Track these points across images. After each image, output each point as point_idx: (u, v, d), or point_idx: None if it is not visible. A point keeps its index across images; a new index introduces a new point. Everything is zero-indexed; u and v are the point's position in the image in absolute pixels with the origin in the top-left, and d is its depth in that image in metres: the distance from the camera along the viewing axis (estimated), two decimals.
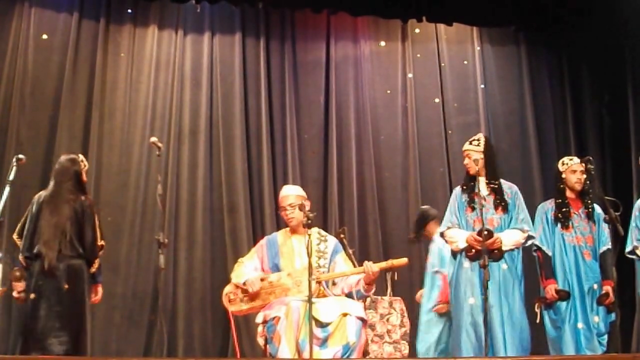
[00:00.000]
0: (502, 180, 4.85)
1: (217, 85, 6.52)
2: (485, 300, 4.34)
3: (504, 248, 4.59)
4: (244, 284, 4.37)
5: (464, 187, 4.82)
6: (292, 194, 4.55)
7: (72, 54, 6.21)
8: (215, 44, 6.60)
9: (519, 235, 4.68)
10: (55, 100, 6.15)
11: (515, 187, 4.89)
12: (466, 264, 4.66)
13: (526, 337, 4.62)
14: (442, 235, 4.82)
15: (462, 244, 4.66)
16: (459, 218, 4.77)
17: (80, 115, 6.21)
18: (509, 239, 4.63)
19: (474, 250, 4.60)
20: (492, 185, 4.73)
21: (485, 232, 4.52)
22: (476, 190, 4.72)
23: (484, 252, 4.47)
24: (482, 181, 4.77)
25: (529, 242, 4.77)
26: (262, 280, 4.38)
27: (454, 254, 4.75)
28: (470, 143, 4.83)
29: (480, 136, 4.89)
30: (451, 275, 4.75)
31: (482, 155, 4.74)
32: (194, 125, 6.41)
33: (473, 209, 4.74)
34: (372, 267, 4.25)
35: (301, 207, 4.37)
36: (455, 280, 4.70)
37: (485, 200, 4.68)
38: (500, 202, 4.70)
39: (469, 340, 4.55)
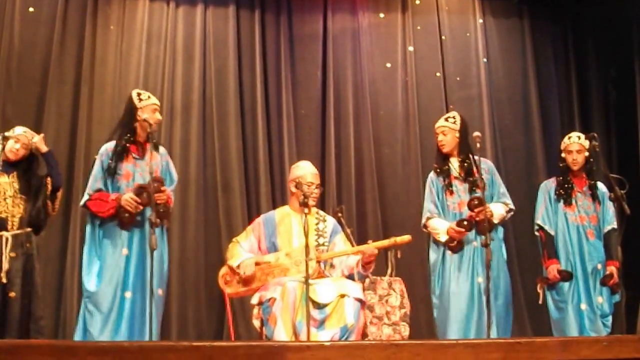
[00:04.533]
0: (476, 157, 4.76)
1: (210, 59, 6.34)
2: (488, 280, 4.26)
3: (495, 221, 4.53)
4: (238, 267, 4.29)
5: (438, 171, 4.73)
6: (315, 172, 4.48)
7: (59, 27, 6.02)
8: (209, 16, 6.41)
9: (503, 208, 4.67)
10: (42, 76, 5.97)
11: (489, 162, 4.88)
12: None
13: (510, 316, 4.63)
14: (424, 226, 4.74)
15: (444, 237, 4.60)
16: (437, 205, 4.69)
17: (68, 91, 6.04)
18: (496, 212, 4.59)
19: (455, 242, 4.55)
20: (466, 164, 4.62)
21: (476, 202, 4.45)
22: (453, 173, 4.67)
23: (473, 226, 4.45)
24: (454, 161, 4.70)
25: (509, 215, 4.75)
26: (256, 264, 4.29)
27: (436, 242, 4.68)
28: (446, 120, 4.76)
29: (455, 114, 4.81)
30: (434, 261, 4.69)
31: (457, 134, 4.66)
32: (187, 101, 6.25)
33: (452, 192, 4.65)
34: (370, 248, 4.19)
35: (317, 187, 4.38)
36: (440, 267, 4.64)
37: (464, 181, 4.62)
38: (476, 181, 4.58)
39: (457, 327, 4.51)
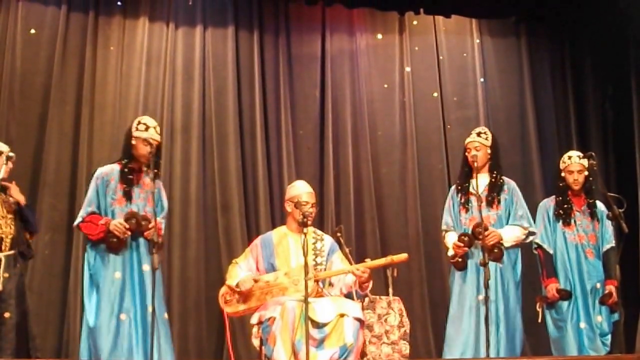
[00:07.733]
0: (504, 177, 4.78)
1: (209, 80, 6.37)
2: (486, 300, 4.26)
3: (505, 244, 4.50)
4: (237, 285, 4.30)
5: (459, 187, 4.75)
6: (311, 191, 4.50)
7: (60, 48, 6.05)
8: (208, 37, 6.45)
9: (519, 231, 4.63)
10: (44, 96, 6.00)
11: (512, 183, 4.83)
12: None
13: (519, 338, 4.62)
14: (444, 237, 4.80)
15: (450, 252, 4.64)
16: (454, 219, 4.71)
17: (70, 111, 6.06)
18: (508, 235, 4.57)
19: (458, 259, 4.57)
20: (494, 181, 4.62)
21: (479, 229, 4.44)
22: (471, 190, 4.67)
23: (482, 251, 4.39)
24: (481, 177, 4.69)
25: (530, 239, 4.71)
26: (255, 281, 4.31)
27: None
28: (479, 135, 4.74)
29: (485, 129, 4.82)
30: (451, 275, 4.74)
31: (489, 150, 4.67)
32: (187, 121, 6.28)
33: (467, 209, 4.66)
34: (361, 269, 4.20)
35: (313, 206, 4.38)
36: (452, 282, 4.69)
37: (480, 198, 4.60)
38: (495, 198, 4.58)
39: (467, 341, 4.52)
